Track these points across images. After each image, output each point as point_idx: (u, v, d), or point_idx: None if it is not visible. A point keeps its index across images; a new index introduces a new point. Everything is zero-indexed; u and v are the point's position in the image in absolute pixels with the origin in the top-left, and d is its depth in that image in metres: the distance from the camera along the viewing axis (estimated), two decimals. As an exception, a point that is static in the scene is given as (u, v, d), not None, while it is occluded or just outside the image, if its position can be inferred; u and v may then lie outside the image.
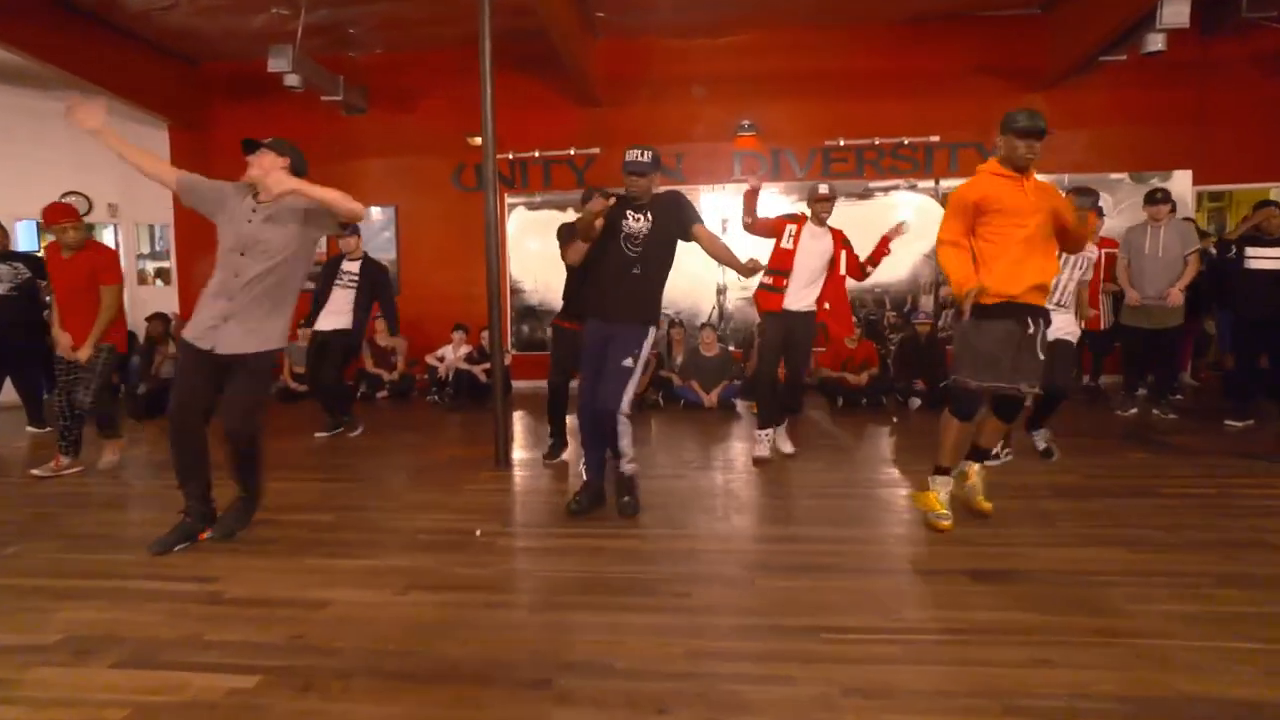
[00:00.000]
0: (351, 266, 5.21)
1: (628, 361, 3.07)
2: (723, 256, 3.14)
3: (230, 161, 8.67)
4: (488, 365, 6.91)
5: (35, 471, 4.10)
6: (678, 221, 3.14)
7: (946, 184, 7.36)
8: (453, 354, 7.27)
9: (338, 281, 5.15)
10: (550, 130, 7.65)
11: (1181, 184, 7.04)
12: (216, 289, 2.85)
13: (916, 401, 6.01)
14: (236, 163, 8.93)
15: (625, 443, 3.13)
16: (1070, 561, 2.58)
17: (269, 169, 2.88)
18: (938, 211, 7.39)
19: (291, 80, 6.71)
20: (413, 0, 6.65)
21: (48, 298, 6.22)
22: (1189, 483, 3.59)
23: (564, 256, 3.86)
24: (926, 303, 7.42)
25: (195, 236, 8.31)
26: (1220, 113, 7.01)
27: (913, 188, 7.42)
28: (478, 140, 7.74)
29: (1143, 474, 3.79)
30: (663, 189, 3.26)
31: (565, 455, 4.39)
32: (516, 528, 3.15)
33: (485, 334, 7.18)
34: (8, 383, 5.77)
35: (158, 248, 8.98)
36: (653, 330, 3.18)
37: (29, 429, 5.70)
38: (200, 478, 2.93)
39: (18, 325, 5.50)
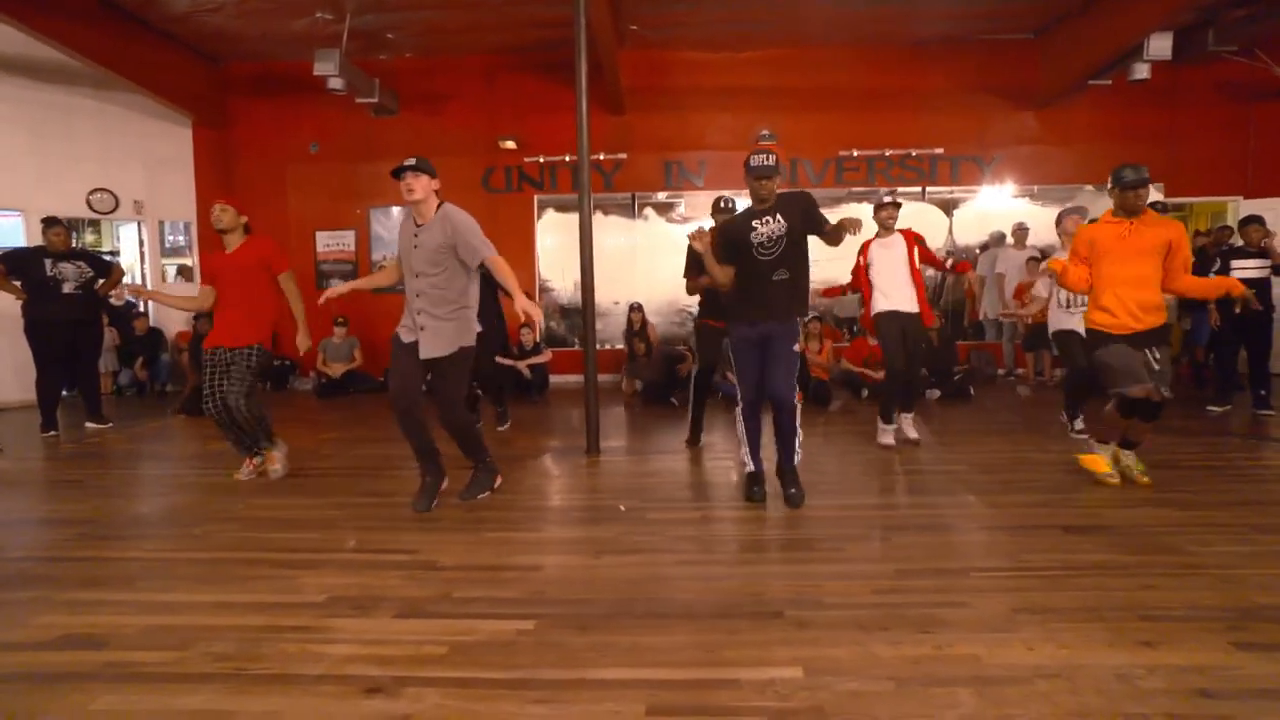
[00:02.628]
0: None
1: (796, 347, 3.33)
2: (834, 238, 3.29)
3: (250, 157, 8.81)
4: (532, 360, 7.24)
5: (239, 475, 4.08)
6: (811, 220, 3.31)
7: (933, 190, 8.02)
8: (487, 350, 7.55)
9: None
10: (578, 135, 7.97)
11: (1153, 197, 7.86)
12: (408, 303, 3.36)
13: (935, 393, 6.62)
14: (256, 159, 9.26)
15: (799, 436, 3.40)
16: (1137, 519, 3.14)
17: (427, 190, 3.25)
18: (935, 215, 8.05)
19: (336, 84, 6.90)
20: (454, 8, 6.91)
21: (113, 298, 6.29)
22: (1200, 457, 4.24)
23: (687, 288, 4.26)
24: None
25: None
26: (1188, 133, 7.86)
27: (892, 194, 8.03)
28: (509, 144, 8.09)
29: (1158, 451, 4.40)
30: (785, 190, 3.41)
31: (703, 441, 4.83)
32: (650, 503, 3.55)
33: (524, 330, 7.51)
34: (17, 381, 5.81)
35: (168, 244, 8.93)
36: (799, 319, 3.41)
37: (89, 425, 5.77)
38: (426, 449, 3.43)
39: (83, 323, 5.58)
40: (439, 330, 3.27)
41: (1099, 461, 3.70)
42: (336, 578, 2.65)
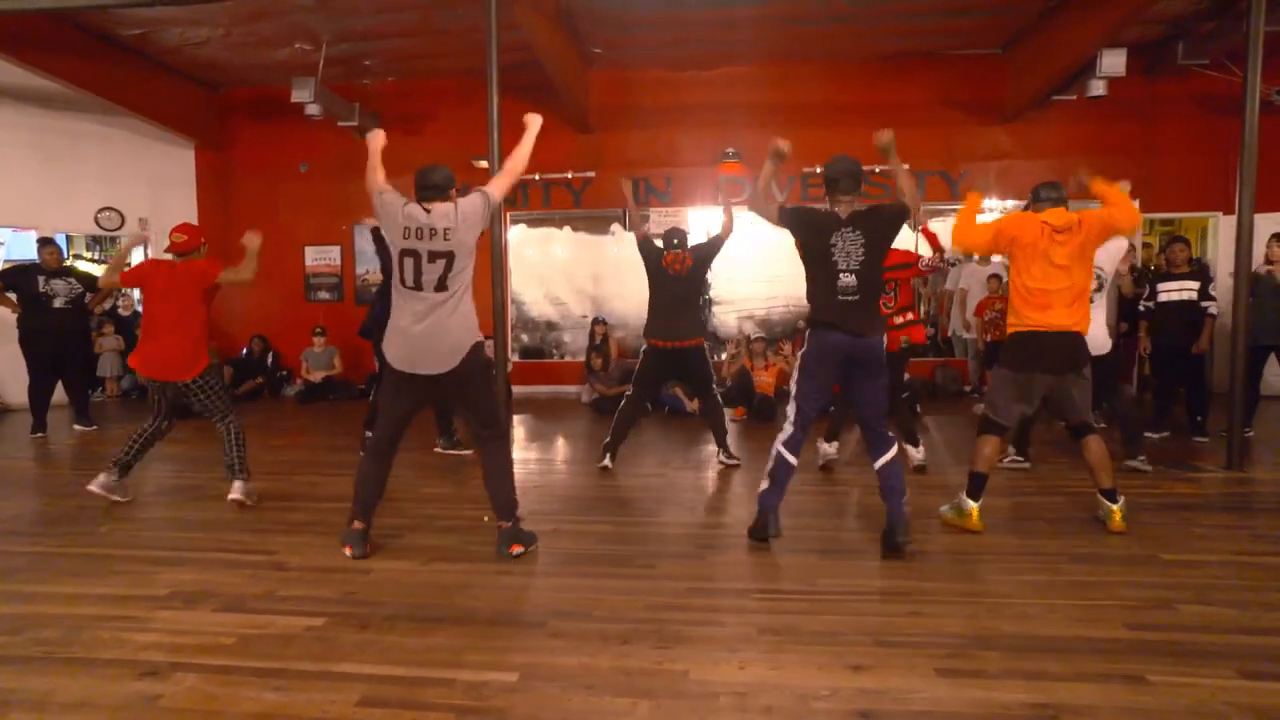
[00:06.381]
0: None
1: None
2: None
3: (246, 177, 9.34)
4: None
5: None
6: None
7: (926, 207, 8.01)
8: (458, 360, 7.90)
9: None
10: (549, 154, 8.25)
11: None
12: None
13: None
14: (257, 180, 9.77)
15: None
16: (961, 546, 3.22)
17: None
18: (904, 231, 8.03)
19: (313, 110, 7.35)
20: (423, 36, 7.29)
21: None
22: (1086, 483, 4.22)
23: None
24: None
25: (221, 250, 8.95)
26: (1166, 147, 7.67)
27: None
28: (482, 163, 8.41)
29: (1054, 477, 4.42)
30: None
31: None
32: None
33: (486, 343, 7.83)
34: (19, 385, 6.34)
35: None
36: None
37: (76, 427, 6.31)
38: None
39: (72, 334, 6.15)
40: None
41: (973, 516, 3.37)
42: (190, 574, 2.97)
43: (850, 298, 3.02)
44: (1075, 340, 3.27)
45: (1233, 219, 7.45)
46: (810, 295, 3.16)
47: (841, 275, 3.02)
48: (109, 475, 3.89)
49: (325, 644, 2.36)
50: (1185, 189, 7.71)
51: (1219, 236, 7.71)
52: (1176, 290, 5.17)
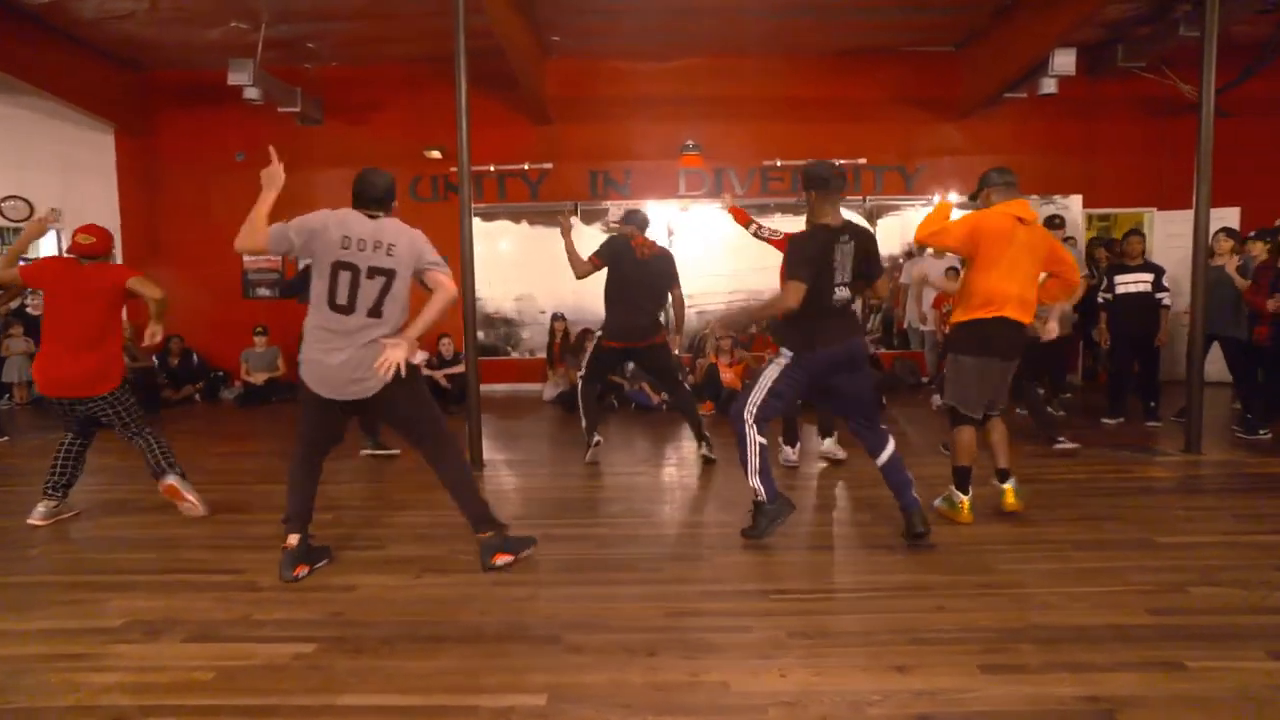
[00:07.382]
0: None
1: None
2: None
3: (176, 166, 8.67)
4: (450, 370, 7.23)
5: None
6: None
7: (873, 200, 8.14)
8: (413, 359, 7.53)
9: None
10: (505, 145, 8.00)
11: (1073, 206, 8.02)
12: None
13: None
14: (182, 168, 9.08)
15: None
16: (965, 537, 3.20)
17: None
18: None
19: (251, 94, 6.85)
20: (371, 18, 6.89)
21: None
22: (1066, 469, 4.32)
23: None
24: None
25: (141, 243, 8.27)
26: (1106, 145, 8.01)
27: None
28: (435, 154, 8.07)
29: (1030, 464, 4.48)
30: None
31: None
32: (504, 520, 3.56)
33: (444, 340, 7.50)
34: None
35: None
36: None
37: (-13, 438, 5.69)
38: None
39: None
40: None
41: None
42: (146, 600, 2.64)
43: (842, 304, 3.03)
44: (1021, 327, 3.31)
45: (1166, 214, 7.94)
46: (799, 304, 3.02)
47: (838, 288, 2.99)
48: (49, 503, 3.55)
49: (320, 674, 2.11)
50: (1122, 185, 8.08)
51: (1154, 231, 8.10)
52: (1133, 282, 5.37)
